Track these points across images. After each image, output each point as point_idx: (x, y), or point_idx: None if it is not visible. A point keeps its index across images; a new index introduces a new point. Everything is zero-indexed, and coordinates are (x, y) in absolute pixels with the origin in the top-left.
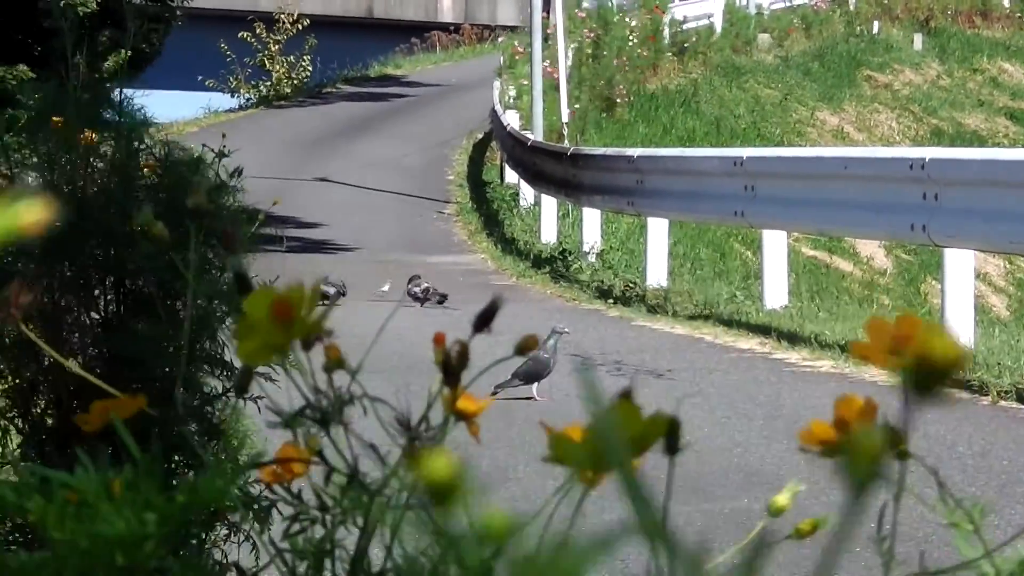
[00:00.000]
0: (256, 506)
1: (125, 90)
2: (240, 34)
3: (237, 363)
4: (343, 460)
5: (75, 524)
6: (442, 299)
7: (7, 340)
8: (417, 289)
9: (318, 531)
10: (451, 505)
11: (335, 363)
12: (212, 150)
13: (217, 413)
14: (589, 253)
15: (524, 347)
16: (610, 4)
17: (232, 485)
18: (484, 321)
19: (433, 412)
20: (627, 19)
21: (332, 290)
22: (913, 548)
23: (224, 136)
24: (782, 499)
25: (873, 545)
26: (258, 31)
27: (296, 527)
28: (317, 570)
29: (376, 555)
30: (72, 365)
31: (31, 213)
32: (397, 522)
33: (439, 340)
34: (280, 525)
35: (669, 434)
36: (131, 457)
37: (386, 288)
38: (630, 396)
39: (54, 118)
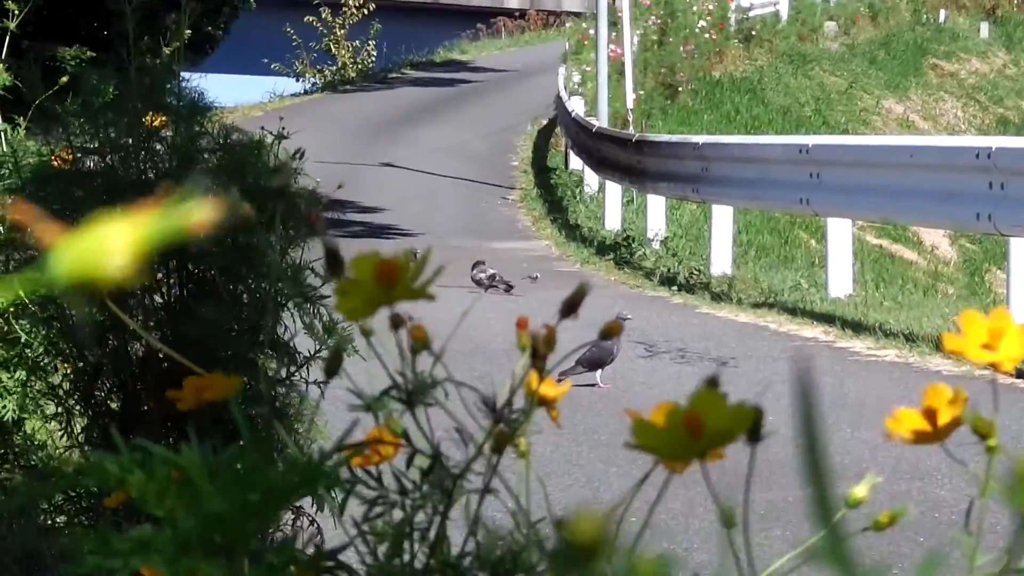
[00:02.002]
0: (345, 489)
1: (184, 74)
2: (306, 18)
3: (301, 348)
4: (427, 442)
5: (176, 501)
6: (508, 288)
7: (71, 323)
8: (482, 275)
9: (394, 514)
10: (595, 563)
11: (420, 344)
12: (271, 133)
13: (281, 397)
14: (653, 240)
15: (608, 332)
16: None
17: (340, 467)
18: (571, 307)
19: (502, 396)
20: (693, 7)
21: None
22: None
23: (282, 119)
24: (860, 491)
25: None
26: (324, 15)
27: (376, 510)
28: (396, 552)
29: (455, 537)
30: (161, 345)
31: (199, 213)
32: (477, 506)
33: (522, 325)
34: (350, 508)
35: (753, 424)
36: (197, 439)
37: (536, 276)
38: (716, 385)
39: (123, 100)
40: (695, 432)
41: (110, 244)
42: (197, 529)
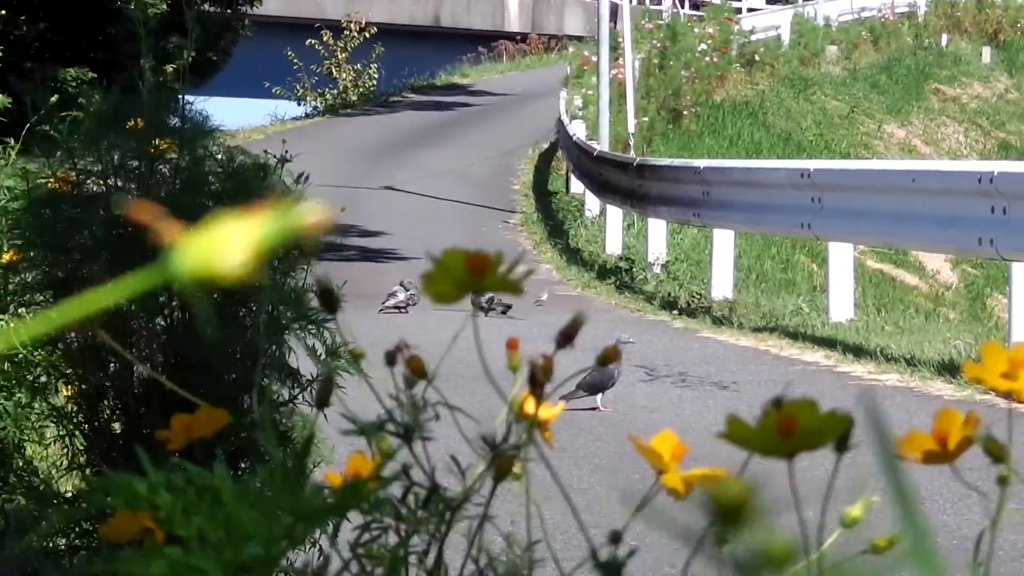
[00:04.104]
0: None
1: (189, 96)
2: (307, 42)
3: (304, 370)
4: (422, 471)
5: (204, 522)
6: (505, 309)
7: (74, 346)
8: (481, 298)
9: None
10: (740, 527)
11: (418, 374)
12: (274, 156)
13: (284, 420)
14: (654, 264)
15: (606, 358)
16: (679, 14)
17: (378, 490)
18: (567, 338)
19: (493, 418)
20: (695, 29)
21: (404, 294)
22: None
23: (285, 142)
24: (855, 511)
25: (968, 568)
26: (325, 39)
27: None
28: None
29: (452, 560)
30: (155, 376)
31: (313, 215)
32: (475, 531)
33: (513, 345)
34: (344, 532)
35: (843, 432)
36: (202, 463)
37: (544, 297)
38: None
39: (127, 122)
40: (787, 431)
41: (230, 243)
42: (229, 551)
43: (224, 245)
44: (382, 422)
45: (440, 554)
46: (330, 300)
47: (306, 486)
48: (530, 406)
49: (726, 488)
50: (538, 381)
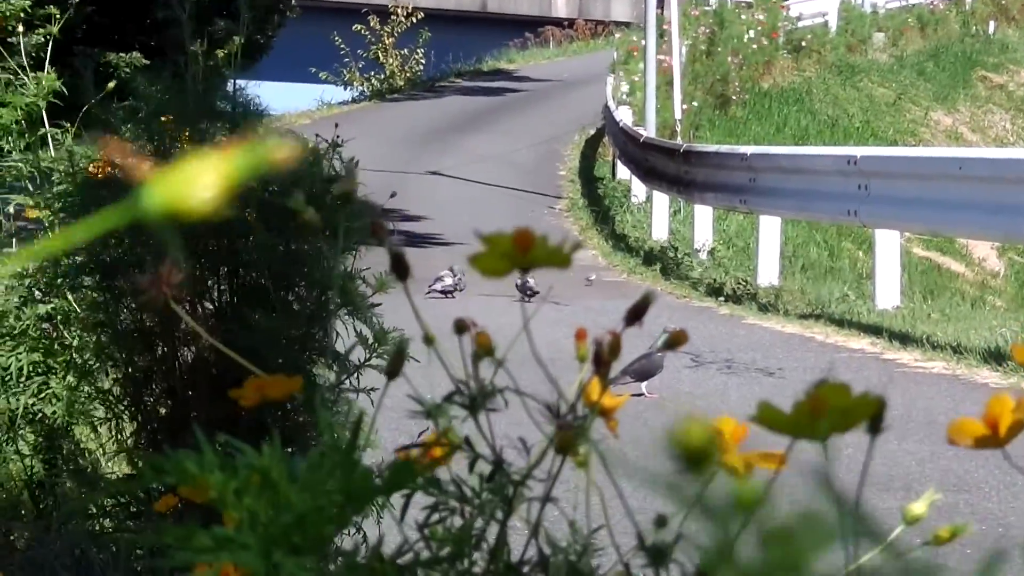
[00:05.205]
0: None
1: (239, 81)
2: (354, 27)
3: (351, 356)
4: (489, 449)
5: (255, 501)
6: (532, 294)
7: (120, 328)
8: (518, 282)
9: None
10: (703, 471)
11: (484, 350)
12: (325, 141)
13: (331, 404)
14: (700, 250)
15: (674, 342)
16: (726, 0)
17: (428, 470)
18: (636, 315)
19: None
20: (742, 16)
21: (452, 279)
22: None
23: (337, 126)
24: (919, 508)
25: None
26: (372, 24)
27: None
28: (458, 558)
29: (512, 542)
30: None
31: (282, 149)
32: (539, 513)
33: (581, 336)
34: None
35: (875, 414)
36: (248, 446)
37: (592, 278)
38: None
39: (177, 107)
40: (818, 413)
41: (199, 178)
42: (280, 529)
43: (193, 180)
44: (449, 395)
45: (503, 534)
46: (402, 267)
47: (357, 467)
48: (595, 389)
49: (689, 432)
50: (604, 360)
